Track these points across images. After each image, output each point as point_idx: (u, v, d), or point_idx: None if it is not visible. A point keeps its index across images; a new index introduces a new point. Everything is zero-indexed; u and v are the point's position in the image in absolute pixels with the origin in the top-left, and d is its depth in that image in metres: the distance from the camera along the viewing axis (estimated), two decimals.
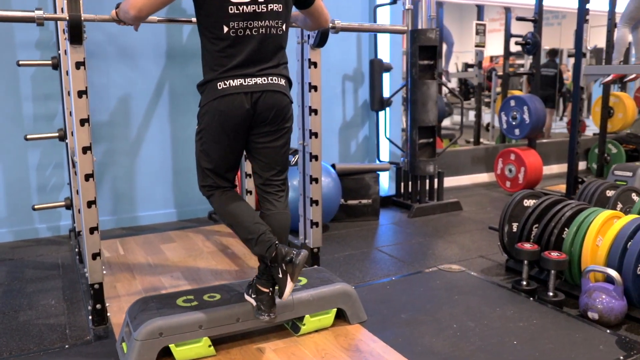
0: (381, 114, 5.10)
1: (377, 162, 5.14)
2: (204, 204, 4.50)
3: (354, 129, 5.21)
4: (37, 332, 2.59)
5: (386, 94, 5.04)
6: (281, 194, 2.38)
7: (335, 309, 2.50)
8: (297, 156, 3.03)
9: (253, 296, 2.27)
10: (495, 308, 2.67)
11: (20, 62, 3.52)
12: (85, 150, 2.39)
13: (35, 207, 3.79)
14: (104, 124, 4.22)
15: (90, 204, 2.44)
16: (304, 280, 2.58)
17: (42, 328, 2.63)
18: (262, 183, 2.35)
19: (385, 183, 5.27)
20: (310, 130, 2.86)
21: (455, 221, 4.46)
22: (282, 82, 2.24)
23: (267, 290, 2.23)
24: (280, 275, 2.17)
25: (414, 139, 4.54)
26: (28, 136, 3.65)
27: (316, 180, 2.92)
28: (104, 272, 2.58)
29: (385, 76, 5.00)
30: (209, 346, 2.25)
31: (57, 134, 3.70)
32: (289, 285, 2.17)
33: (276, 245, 2.18)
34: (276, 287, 2.23)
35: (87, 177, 2.41)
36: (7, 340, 2.51)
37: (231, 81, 2.13)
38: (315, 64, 2.82)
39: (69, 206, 3.84)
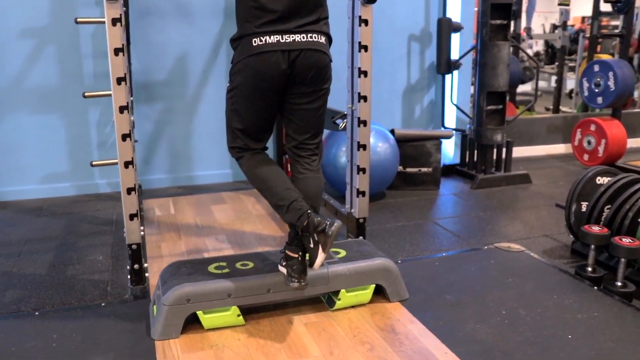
0: (448, 77, 4.77)
1: (442, 128, 4.85)
2: None
3: (419, 93, 4.93)
4: (80, 287, 2.64)
5: (455, 56, 4.70)
6: (314, 157, 2.24)
7: (374, 285, 2.36)
8: (345, 121, 2.86)
9: (284, 263, 2.17)
10: (552, 295, 2.43)
11: (78, 20, 3.53)
12: (122, 109, 2.34)
13: (93, 163, 3.85)
14: (161, 83, 4.21)
15: (127, 164, 2.40)
16: (342, 253, 2.44)
17: (86, 283, 2.67)
18: (295, 146, 2.22)
19: (451, 151, 4.99)
20: (359, 94, 2.67)
21: (522, 195, 4.14)
22: (322, 39, 2.07)
23: (296, 256, 2.13)
24: (312, 245, 2.05)
25: (482, 105, 4.22)
26: (86, 93, 3.68)
27: (364, 147, 2.74)
28: (142, 232, 2.56)
29: (455, 37, 4.65)
30: (238, 315, 2.18)
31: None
32: (321, 255, 2.04)
33: (308, 214, 2.05)
34: (307, 255, 2.11)
35: (124, 137, 2.37)
36: (52, 293, 2.58)
37: (267, 37, 1.98)
38: (366, 22, 2.60)
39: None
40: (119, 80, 2.31)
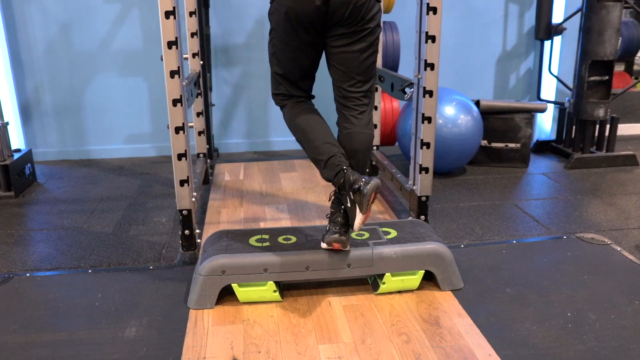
0: (548, 44, 4.29)
1: (538, 100, 4.40)
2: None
3: (515, 61, 4.50)
4: (137, 248, 2.70)
5: (559, 19, 4.20)
6: (361, 109, 2.07)
7: (423, 271, 2.17)
8: (412, 90, 2.63)
9: (327, 228, 2.06)
10: (632, 300, 2.10)
11: None
12: (172, 74, 2.30)
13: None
14: (240, 46, 4.18)
15: (178, 130, 2.38)
16: (393, 233, 2.27)
17: (144, 245, 2.73)
18: (340, 95, 2.08)
19: (548, 125, 4.54)
20: (425, 61, 2.43)
21: (624, 179, 3.66)
22: None
23: (338, 210, 2.02)
24: (349, 205, 1.94)
25: (583, 75, 3.74)
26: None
27: (429, 119, 2.50)
28: (194, 198, 2.55)
29: None
30: (274, 291, 2.10)
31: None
32: (359, 216, 1.92)
33: (344, 170, 1.93)
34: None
35: (175, 102, 2.34)
36: (110, 252, 2.66)
37: None
38: None
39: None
40: (170, 44, 2.26)
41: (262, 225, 2.86)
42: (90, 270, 2.43)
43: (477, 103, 3.82)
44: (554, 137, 4.32)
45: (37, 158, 4.19)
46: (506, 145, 3.88)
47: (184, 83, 2.36)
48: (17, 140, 4.05)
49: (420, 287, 2.20)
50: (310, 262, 2.10)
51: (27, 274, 2.39)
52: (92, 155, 4.25)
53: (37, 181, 3.72)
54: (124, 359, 1.80)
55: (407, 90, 2.73)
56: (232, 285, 2.09)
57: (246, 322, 2.00)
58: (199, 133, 3.46)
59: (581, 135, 3.92)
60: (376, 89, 3.55)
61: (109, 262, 2.55)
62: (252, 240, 2.21)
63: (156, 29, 4.03)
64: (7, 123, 3.46)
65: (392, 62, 3.81)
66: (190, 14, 3.19)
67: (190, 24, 3.21)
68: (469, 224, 2.93)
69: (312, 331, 1.94)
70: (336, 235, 1.99)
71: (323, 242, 2.09)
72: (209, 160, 4.01)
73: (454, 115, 3.55)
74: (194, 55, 3.26)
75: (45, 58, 3.99)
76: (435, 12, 2.37)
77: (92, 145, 4.23)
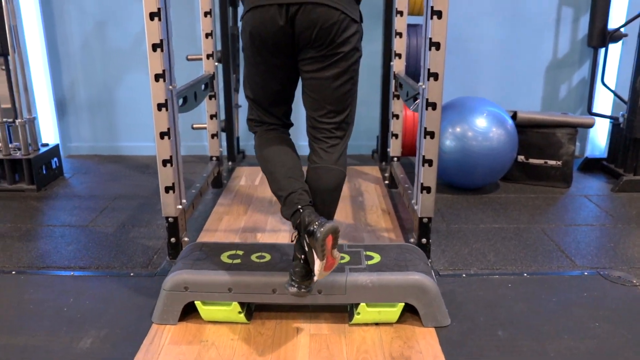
0: (602, 52, 3.88)
1: (588, 114, 4.00)
2: (370, 140, 4.15)
3: (566, 70, 4.12)
4: (131, 251, 2.66)
5: (617, 24, 3.79)
6: (332, 142, 1.88)
7: (403, 304, 1.97)
8: (417, 101, 2.41)
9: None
10: None
11: None
12: (157, 77, 2.22)
13: (194, 126, 3.91)
14: None
15: (162, 135, 2.30)
16: (376, 258, 2.08)
17: (138, 249, 2.69)
18: (311, 125, 1.91)
19: (603, 141, 4.13)
20: (428, 70, 2.21)
21: None
22: None
23: (298, 257, 1.82)
24: (307, 249, 1.74)
25: (638, 87, 3.34)
26: (189, 56, 3.71)
27: (431, 134, 2.28)
28: (181, 206, 2.47)
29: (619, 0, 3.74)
30: (239, 312, 1.98)
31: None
32: (317, 264, 1.71)
33: (300, 210, 1.74)
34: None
35: (160, 106, 2.26)
36: (104, 254, 2.64)
37: None
38: None
39: (223, 129, 3.88)
40: (155, 47, 2.18)
41: (259, 236, 2.74)
42: (72, 273, 2.40)
43: (514, 115, 3.51)
44: (606, 155, 3.90)
45: (71, 152, 4.30)
46: (545, 162, 3.55)
47: (170, 87, 2.28)
48: (51, 134, 4.16)
49: (401, 319, 2.00)
50: (277, 284, 1.95)
51: (13, 272, 2.40)
52: (122, 152, 4.30)
53: (62, 175, 3.80)
54: None
55: (415, 100, 2.52)
56: (196, 302, 1.99)
57: (204, 343, 1.89)
58: (212, 136, 3.39)
59: (634, 155, 3.51)
60: (397, 97, 3.34)
61: (98, 265, 2.53)
62: (224, 256, 2.10)
63: (188, 28, 4.01)
64: (34, 118, 3.55)
65: (417, 69, 3.56)
66: (205, 14, 3.12)
67: (205, 24, 3.14)
68: (483, 250, 2.67)
69: None
70: (294, 289, 1.79)
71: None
72: (230, 163, 3.96)
73: (485, 127, 3.27)
74: (208, 56, 3.19)
75: (80, 54, 4.07)
76: (440, 17, 2.14)
77: (122, 141, 4.28)
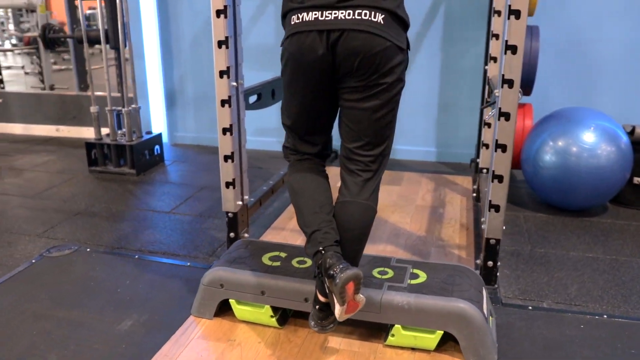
0: None
1: None
2: (469, 148, 3.91)
3: None
4: (200, 241, 2.75)
5: None
6: (367, 175, 1.74)
7: (442, 332, 1.79)
8: (493, 111, 2.18)
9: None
10: None
11: None
12: (222, 74, 2.25)
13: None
14: None
15: (225, 131, 2.33)
16: (422, 277, 1.92)
17: (207, 239, 2.76)
18: (345, 156, 1.77)
19: None
20: (503, 76, 1.99)
21: None
22: (378, 17, 1.56)
23: (319, 298, 1.73)
24: (327, 291, 1.64)
25: None
26: None
27: (503, 147, 2.05)
28: (241, 202, 2.48)
29: None
30: (271, 316, 1.94)
31: None
32: (337, 308, 1.61)
33: (322, 251, 1.64)
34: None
35: (223, 102, 2.29)
36: (174, 241, 2.75)
37: (305, 14, 1.59)
38: None
39: None
40: (220, 44, 2.21)
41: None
42: (137, 256, 2.53)
43: (632, 131, 3.07)
44: None
45: (177, 141, 4.57)
46: None
47: (234, 84, 2.29)
48: (161, 123, 4.45)
49: (441, 347, 1.83)
50: (310, 293, 1.87)
51: (88, 249, 2.58)
52: None
53: (163, 162, 4.04)
54: (99, 349, 1.83)
55: (491, 109, 2.29)
56: (230, 300, 1.98)
57: (230, 342, 1.88)
58: None
59: None
60: (492, 103, 3.07)
61: (165, 251, 2.63)
62: (266, 257, 2.06)
63: None
64: (139, 107, 3.81)
65: (527, 75, 3.25)
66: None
67: None
68: (565, 281, 2.36)
69: None
70: (316, 328, 1.72)
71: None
72: None
73: (593, 143, 2.90)
74: None
75: (189, 51, 4.29)
76: (518, 17, 1.91)
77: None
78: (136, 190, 3.49)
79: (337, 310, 1.61)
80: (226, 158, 2.36)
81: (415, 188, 3.40)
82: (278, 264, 2.02)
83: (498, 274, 2.28)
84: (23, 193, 3.42)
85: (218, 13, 2.17)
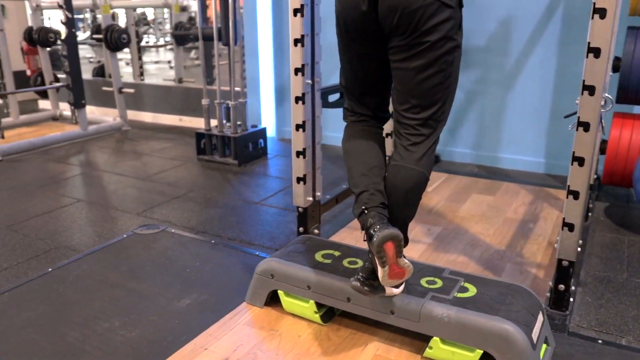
0: None
1: None
2: None
3: None
4: (277, 233, 2.84)
5: None
6: (415, 139, 1.70)
7: (481, 351, 1.68)
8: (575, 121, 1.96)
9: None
10: None
11: None
12: (297, 71, 2.30)
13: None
14: (479, 49, 3.81)
15: (298, 127, 2.38)
16: (471, 291, 1.82)
17: (284, 232, 2.85)
18: (395, 119, 1.75)
19: None
20: (583, 82, 1.80)
21: None
22: None
23: (366, 264, 1.73)
24: (369, 254, 1.65)
25: None
26: None
27: (580, 161, 1.86)
28: (312, 198, 2.52)
29: None
30: (315, 312, 1.95)
31: None
32: (379, 270, 1.62)
33: (365, 211, 1.64)
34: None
35: (297, 99, 2.34)
36: (254, 229, 2.87)
37: None
38: None
39: None
40: (296, 42, 2.26)
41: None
42: (213, 241, 2.68)
43: None
44: None
45: (284, 135, 4.74)
46: None
47: (309, 81, 2.33)
48: (270, 117, 4.65)
49: None
50: (353, 294, 1.86)
51: (173, 230, 2.79)
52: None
53: (266, 155, 4.22)
54: (155, 321, 1.98)
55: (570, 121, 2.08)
56: (279, 291, 2.03)
57: (272, 332, 1.93)
58: (386, 135, 3.34)
59: None
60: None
61: (242, 239, 2.76)
62: (319, 254, 2.08)
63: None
64: (245, 101, 4.02)
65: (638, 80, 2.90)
66: None
67: None
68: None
69: None
70: (356, 283, 1.69)
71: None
72: None
73: None
74: None
75: None
76: (603, 16, 1.72)
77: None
78: (234, 180, 3.69)
79: (380, 273, 1.61)
80: (298, 154, 2.42)
81: (510, 199, 3.19)
82: (329, 261, 2.02)
83: (572, 299, 2.08)
84: (137, 175, 3.79)
85: (295, 12, 2.23)
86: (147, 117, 5.53)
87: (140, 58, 6.22)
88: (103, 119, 5.15)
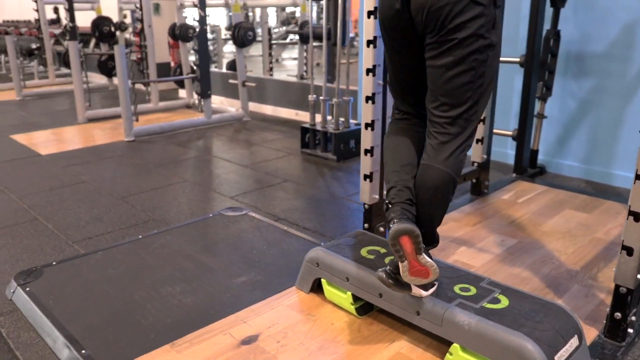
0: None
1: None
2: None
3: None
4: (351, 228, 2.94)
5: None
6: (443, 138, 1.70)
7: None
8: None
9: None
10: None
11: None
12: (368, 72, 2.37)
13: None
14: (597, 56, 3.54)
15: (367, 126, 2.45)
16: (503, 303, 1.77)
17: (357, 227, 2.93)
18: (428, 118, 1.78)
19: None
20: None
21: None
22: None
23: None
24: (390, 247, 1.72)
25: None
26: None
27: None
28: (376, 195, 2.57)
29: None
30: (352, 304, 2.03)
31: (517, 60, 3.49)
32: (400, 265, 1.68)
33: (387, 204, 1.72)
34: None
35: (367, 99, 2.41)
36: (326, 220, 3.00)
37: None
38: None
39: (514, 137, 3.65)
40: (368, 43, 2.34)
41: (458, 249, 2.59)
42: (285, 228, 2.85)
43: None
44: None
45: None
46: None
47: (380, 82, 2.39)
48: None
49: None
50: (384, 290, 1.91)
51: (255, 215, 3.01)
52: None
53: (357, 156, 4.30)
54: (210, 292, 2.19)
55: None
56: (322, 280, 2.13)
57: (308, 317, 2.04)
58: (477, 141, 3.25)
59: None
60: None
61: (314, 230, 2.90)
62: (365, 249, 2.14)
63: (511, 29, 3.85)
64: (349, 100, 4.14)
65: None
66: None
67: None
68: None
69: (339, 359, 1.82)
70: (381, 274, 1.76)
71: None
72: (513, 175, 3.68)
73: None
74: None
75: None
76: None
77: None
78: (329, 174, 3.84)
79: (400, 268, 1.67)
80: (366, 152, 2.49)
81: (607, 219, 2.95)
82: (372, 257, 2.08)
83: (630, 330, 1.91)
84: (241, 162, 4.10)
85: (369, 14, 2.30)
86: (268, 110, 5.90)
87: (270, 54, 6.63)
88: (227, 109, 5.61)
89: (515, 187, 3.46)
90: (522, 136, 3.62)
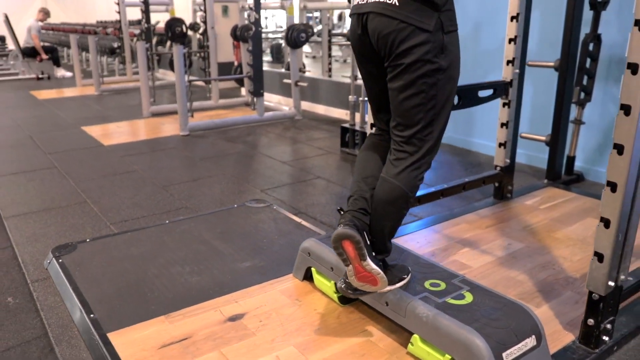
0: None
1: None
2: None
3: None
4: None
5: None
6: (399, 155, 1.80)
7: (450, 357, 1.71)
8: None
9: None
10: None
11: None
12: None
13: (522, 135, 3.75)
14: None
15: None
16: (465, 300, 1.84)
17: None
18: (390, 136, 1.88)
19: None
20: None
21: None
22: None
23: None
24: None
25: None
26: (529, 62, 3.56)
27: (613, 187, 1.71)
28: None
29: None
30: (335, 292, 2.16)
31: (552, 64, 3.45)
32: (346, 269, 1.81)
33: (341, 212, 1.85)
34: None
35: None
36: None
37: None
38: None
39: (547, 143, 3.60)
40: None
41: (461, 250, 2.64)
42: (301, 221, 3.01)
43: None
44: None
45: None
46: None
47: None
48: None
49: None
50: None
51: (276, 207, 3.20)
52: (473, 147, 4.51)
53: None
54: (214, 273, 2.40)
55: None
56: (312, 268, 2.28)
57: (295, 302, 2.20)
58: (500, 145, 3.24)
59: None
60: None
61: (329, 224, 3.04)
62: None
63: (552, 33, 3.80)
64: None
65: None
66: (512, 18, 2.98)
67: (510, 29, 3.00)
68: None
69: (315, 343, 1.96)
70: (339, 284, 1.91)
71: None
72: (545, 180, 3.62)
73: None
74: (508, 62, 3.05)
75: None
76: None
77: (476, 138, 4.49)
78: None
79: (347, 272, 1.79)
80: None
81: None
82: None
83: (607, 338, 1.91)
84: (281, 158, 4.31)
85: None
86: (321, 109, 6.08)
87: (330, 55, 6.81)
88: (281, 108, 5.85)
89: (543, 193, 3.42)
90: (555, 142, 3.56)
